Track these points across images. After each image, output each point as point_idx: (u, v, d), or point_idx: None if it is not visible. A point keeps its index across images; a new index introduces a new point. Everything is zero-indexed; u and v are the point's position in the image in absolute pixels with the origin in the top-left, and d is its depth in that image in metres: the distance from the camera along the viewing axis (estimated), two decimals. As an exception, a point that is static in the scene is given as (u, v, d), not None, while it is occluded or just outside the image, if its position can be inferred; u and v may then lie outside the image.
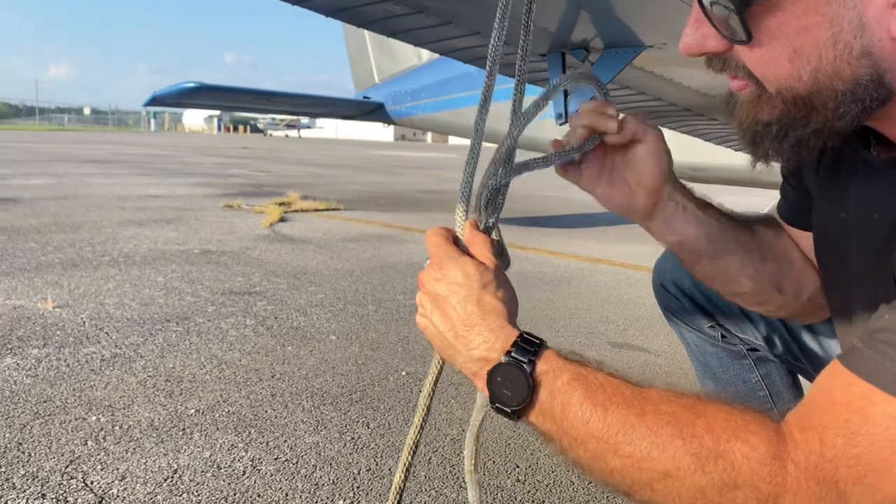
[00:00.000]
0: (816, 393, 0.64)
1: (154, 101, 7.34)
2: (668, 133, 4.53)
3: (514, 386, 0.69)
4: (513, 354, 0.69)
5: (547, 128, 6.32)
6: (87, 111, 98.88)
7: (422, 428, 0.84)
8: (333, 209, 7.59)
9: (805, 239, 1.00)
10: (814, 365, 1.12)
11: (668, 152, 0.93)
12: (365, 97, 8.97)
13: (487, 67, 0.80)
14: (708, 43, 0.68)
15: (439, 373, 0.83)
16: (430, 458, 1.88)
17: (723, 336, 1.18)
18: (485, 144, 0.87)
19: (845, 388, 0.60)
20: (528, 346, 0.70)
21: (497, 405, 0.70)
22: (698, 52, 0.70)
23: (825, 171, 0.87)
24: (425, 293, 0.76)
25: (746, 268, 0.97)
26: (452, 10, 1.65)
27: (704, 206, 0.97)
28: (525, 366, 0.69)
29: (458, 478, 1.79)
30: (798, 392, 1.24)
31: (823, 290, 0.94)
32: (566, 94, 1.97)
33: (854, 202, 0.80)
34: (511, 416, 0.70)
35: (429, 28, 1.78)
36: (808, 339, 1.11)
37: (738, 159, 4.51)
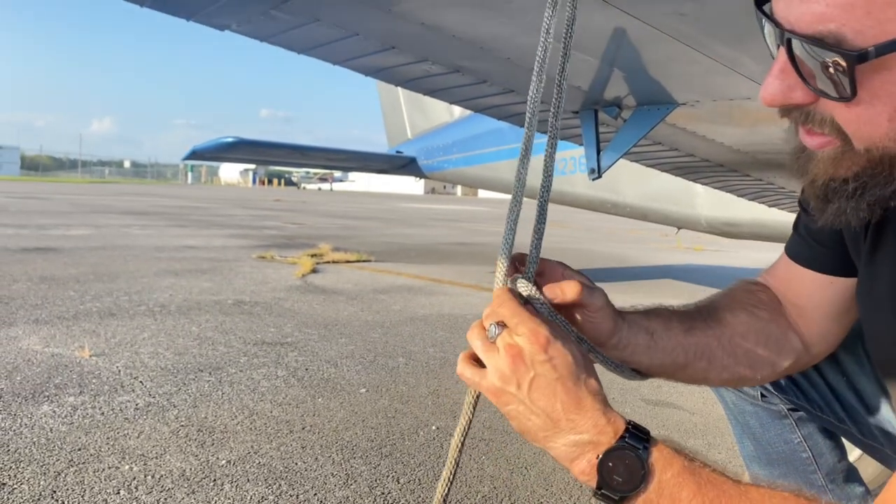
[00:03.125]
0: None
1: (194, 154, 7.56)
2: (700, 188, 4.49)
3: (627, 472, 0.67)
4: (627, 440, 0.68)
5: (578, 182, 6.35)
6: (126, 164, 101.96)
7: (451, 483, 0.83)
8: (364, 261, 7.66)
9: (808, 278, 0.96)
10: (858, 426, 1.08)
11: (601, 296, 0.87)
12: (398, 152, 9.14)
13: (527, 117, 0.82)
14: (794, 95, 0.65)
15: (468, 427, 0.82)
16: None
17: (762, 395, 1.15)
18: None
19: None
20: (641, 433, 0.69)
21: (603, 491, 0.68)
22: (782, 104, 0.66)
23: (874, 233, 0.84)
24: (519, 370, 0.70)
25: (714, 370, 0.94)
26: (487, 69, 1.70)
27: (664, 325, 0.92)
28: (641, 452, 0.67)
29: (489, 537, 1.75)
30: (841, 453, 1.21)
31: (872, 350, 0.90)
32: (599, 150, 1.99)
33: None
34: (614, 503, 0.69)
35: (464, 87, 1.83)
36: (851, 398, 1.08)
37: (771, 215, 4.48)
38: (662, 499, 0.67)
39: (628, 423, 0.70)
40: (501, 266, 0.79)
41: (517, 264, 0.81)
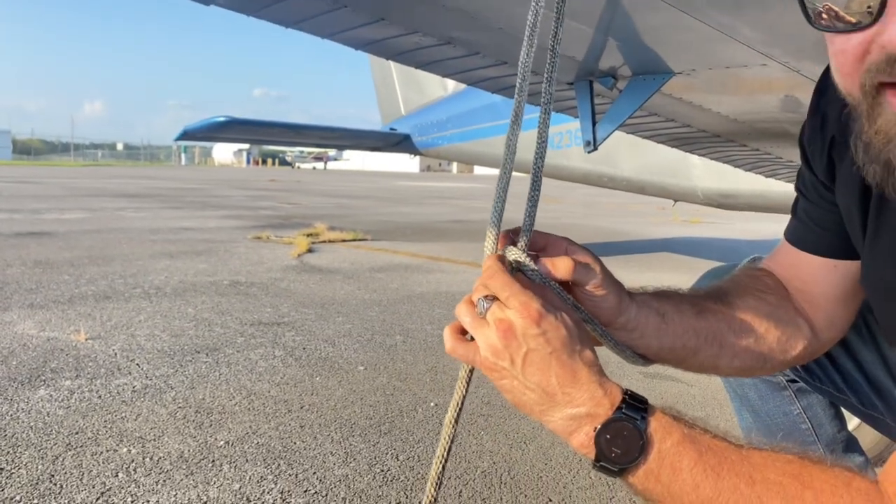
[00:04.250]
0: None
1: (185, 135, 7.49)
2: (697, 160, 4.47)
3: (625, 443, 0.66)
4: (624, 411, 0.66)
5: (574, 156, 6.31)
6: (119, 146, 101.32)
7: (446, 459, 0.81)
8: (360, 239, 7.63)
9: (811, 263, 0.93)
10: (858, 396, 1.07)
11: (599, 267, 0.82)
12: (391, 129, 9.08)
13: (518, 84, 0.79)
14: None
15: (463, 402, 0.80)
16: (460, 492, 1.85)
17: None
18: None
19: None
20: (638, 403, 0.67)
21: (602, 464, 0.67)
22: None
23: (876, 211, 0.80)
24: (511, 346, 0.68)
25: (725, 356, 0.90)
26: (479, 40, 1.66)
27: (676, 307, 0.88)
28: (638, 423, 0.66)
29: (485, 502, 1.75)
30: (841, 423, 1.20)
31: (883, 327, 0.88)
32: (594, 122, 1.96)
33: None
34: (615, 475, 0.67)
35: (456, 59, 1.80)
36: (851, 368, 1.07)
37: (769, 185, 4.46)
38: (663, 468, 0.65)
39: (625, 392, 0.68)
40: (491, 236, 0.76)
41: (512, 236, 0.78)
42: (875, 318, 0.91)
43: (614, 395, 0.68)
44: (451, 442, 0.79)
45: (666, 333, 0.86)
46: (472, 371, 0.78)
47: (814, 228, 0.94)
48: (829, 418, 1.17)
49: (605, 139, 1.98)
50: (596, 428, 0.67)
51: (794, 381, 1.15)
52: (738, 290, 0.94)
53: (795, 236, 0.97)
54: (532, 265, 0.73)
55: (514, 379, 0.70)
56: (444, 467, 0.80)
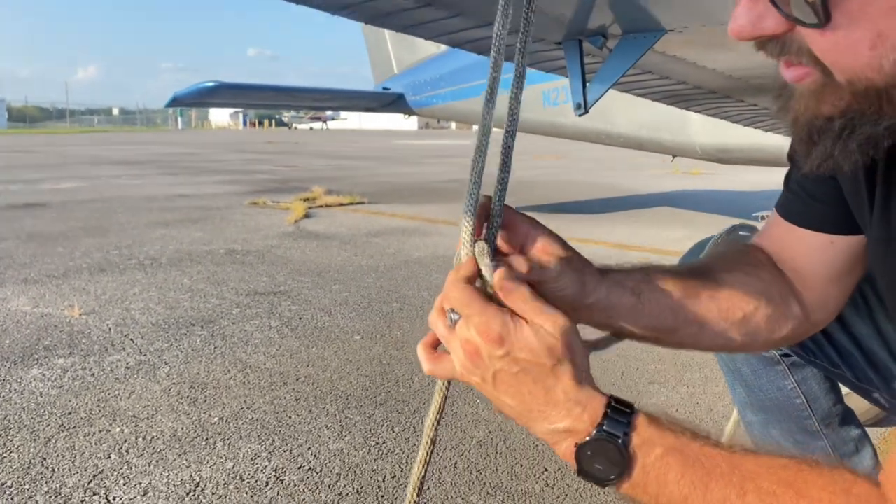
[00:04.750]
0: None
1: (175, 101, 7.36)
2: (695, 115, 4.37)
3: (606, 461, 0.63)
4: (605, 428, 0.63)
5: (570, 113, 6.21)
6: (115, 111, 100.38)
7: (427, 463, 0.77)
8: (358, 203, 7.58)
9: (805, 239, 0.88)
10: (853, 371, 1.04)
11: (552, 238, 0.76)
12: (385, 88, 8.92)
13: (492, 58, 0.73)
14: (765, 24, 0.57)
15: (442, 410, 0.75)
16: (455, 463, 1.84)
17: None
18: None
19: None
20: (620, 417, 0.63)
21: (585, 475, 0.65)
22: (752, 36, 0.59)
23: (885, 181, 0.74)
24: (479, 366, 0.65)
25: (706, 335, 0.86)
26: (460, 2, 1.59)
27: (652, 285, 0.83)
28: (619, 440, 0.62)
29: (485, 483, 1.74)
30: (836, 397, 1.17)
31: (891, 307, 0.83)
32: (584, 83, 1.89)
33: None
34: (600, 486, 0.65)
35: (438, 21, 1.72)
36: (846, 342, 1.03)
37: (768, 139, 4.37)
38: (649, 482, 0.62)
39: (607, 405, 0.64)
40: (467, 226, 0.70)
41: (482, 217, 0.72)
42: (876, 291, 0.87)
43: (594, 410, 0.64)
44: (433, 446, 0.75)
45: (641, 314, 0.81)
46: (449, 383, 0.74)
47: (808, 201, 0.88)
48: (824, 392, 1.14)
49: (596, 101, 1.91)
50: (576, 444, 0.64)
51: (787, 355, 1.11)
52: (726, 266, 0.89)
53: (788, 210, 0.91)
54: (489, 275, 0.68)
55: (490, 394, 0.67)
56: (425, 471, 0.77)
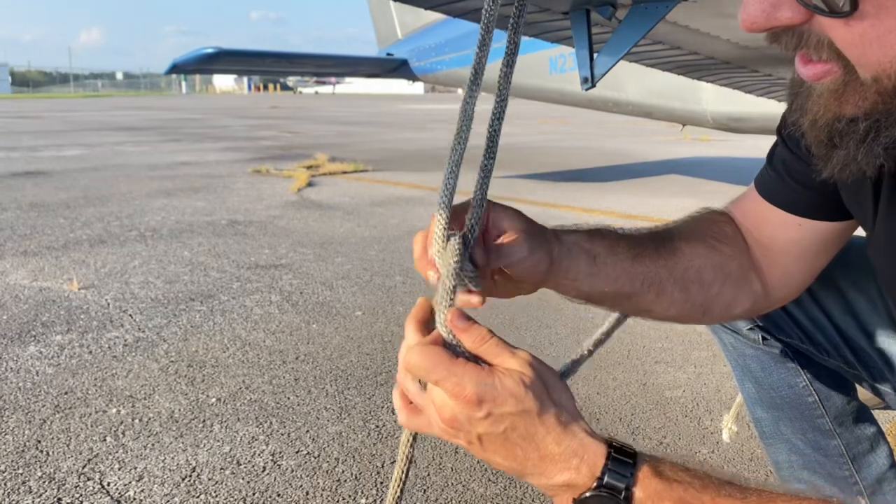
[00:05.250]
0: None
1: (175, 68, 7.24)
2: (705, 83, 4.24)
3: None
4: (606, 481, 0.57)
5: (577, 80, 6.06)
6: (119, 76, 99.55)
7: (404, 481, 0.73)
8: (361, 171, 7.49)
9: (778, 218, 0.86)
10: (869, 371, 0.98)
11: (517, 217, 0.74)
12: (388, 54, 8.75)
13: (480, 35, 0.66)
14: (781, 14, 0.51)
15: (407, 469, 0.71)
16: (455, 448, 1.80)
17: (764, 339, 1.05)
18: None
19: None
20: (622, 469, 0.57)
21: None
22: (766, 27, 0.53)
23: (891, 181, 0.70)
24: (461, 431, 0.59)
25: (661, 303, 0.84)
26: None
27: (609, 250, 0.80)
28: (621, 494, 0.57)
29: (486, 470, 1.71)
30: (850, 394, 1.11)
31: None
32: (592, 55, 1.81)
33: None
34: None
35: (439, -10, 1.64)
36: (862, 341, 0.97)
37: (782, 108, 4.26)
38: None
39: (607, 455, 0.58)
40: (440, 221, 0.63)
41: (460, 218, 0.66)
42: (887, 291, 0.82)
43: (593, 461, 0.58)
44: (409, 463, 0.71)
45: (597, 278, 0.79)
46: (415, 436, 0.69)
47: (791, 183, 0.85)
48: (838, 390, 1.08)
49: (604, 74, 1.83)
50: (575, 499, 0.59)
51: (798, 352, 1.06)
52: (688, 236, 0.87)
53: (768, 189, 0.88)
54: (451, 282, 0.61)
55: (480, 454, 0.61)
56: (402, 490, 0.72)
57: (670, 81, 4.93)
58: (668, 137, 11.92)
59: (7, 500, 1.54)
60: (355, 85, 68.68)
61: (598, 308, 0.86)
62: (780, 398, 1.08)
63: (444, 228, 0.63)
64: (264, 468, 1.69)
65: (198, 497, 1.57)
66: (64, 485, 1.60)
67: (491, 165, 0.65)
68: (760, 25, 0.53)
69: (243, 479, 1.65)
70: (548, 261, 0.74)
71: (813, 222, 0.85)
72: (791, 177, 0.85)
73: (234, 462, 1.72)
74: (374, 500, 1.58)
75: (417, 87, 60.80)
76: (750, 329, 1.04)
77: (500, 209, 0.73)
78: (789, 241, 0.86)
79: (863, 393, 1.28)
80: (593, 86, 1.84)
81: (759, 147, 10.12)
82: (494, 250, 0.70)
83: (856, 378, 1.03)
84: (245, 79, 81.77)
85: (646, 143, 11.50)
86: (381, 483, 1.64)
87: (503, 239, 0.71)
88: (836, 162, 0.59)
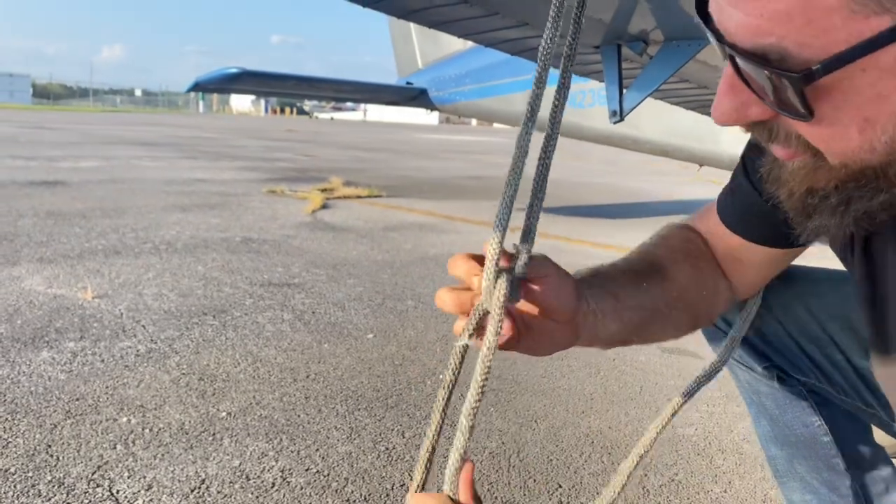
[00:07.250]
0: None
1: (197, 87, 7.34)
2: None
3: None
4: None
5: (596, 115, 6.11)
6: (138, 92, 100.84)
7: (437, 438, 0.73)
8: (376, 196, 7.53)
9: (737, 241, 0.92)
10: (888, 411, 0.97)
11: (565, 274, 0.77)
12: (408, 83, 8.85)
13: (537, 73, 0.68)
14: (749, 112, 0.57)
15: (456, 381, 0.71)
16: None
17: (779, 378, 1.04)
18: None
19: None
20: None
21: None
22: (736, 122, 0.58)
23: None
24: None
25: (666, 329, 0.91)
26: (498, 1, 1.53)
27: (625, 284, 0.85)
28: None
29: (497, 497, 1.69)
30: (866, 437, 1.10)
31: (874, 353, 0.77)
32: (621, 90, 1.83)
33: None
34: None
35: (474, 19, 1.66)
36: (882, 383, 0.96)
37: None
38: None
39: None
40: (492, 254, 0.65)
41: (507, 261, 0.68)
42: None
43: None
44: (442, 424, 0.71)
45: (624, 311, 0.83)
46: (465, 351, 0.70)
47: (746, 214, 0.90)
48: (854, 430, 1.07)
49: (633, 109, 1.85)
50: None
51: (814, 391, 1.05)
52: (673, 258, 0.92)
53: (724, 212, 0.93)
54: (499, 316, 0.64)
55: None
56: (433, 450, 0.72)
57: (690, 122, 4.97)
58: (682, 178, 11.95)
59: (17, 502, 1.53)
60: (369, 113, 69.35)
61: (619, 347, 0.90)
62: (794, 436, 1.07)
63: (495, 263, 0.65)
64: (273, 484, 1.68)
65: (206, 510, 1.56)
66: (73, 490, 1.59)
67: (540, 203, 0.67)
68: (732, 120, 0.58)
69: (252, 493, 1.63)
70: (576, 302, 0.77)
71: (773, 250, 0.91)
72: (749, 208, 0.89)
73: (244, 476, 1.70)
74: (384, 523, 1.56)
75: (432, 118, 61.25)
76: (765, 368, 1.04)
77: (544, 268, 0.76)
78: (747, 258, 0.93)
79: (879, 434, 1.27)
80: (621, 119, 1.86)
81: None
82: (532, 285, 0.73)
83: (873, 419, 1.02)
84: (262, 101, 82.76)
85: (661, 182, 11.53)
86: (391, 506, 1.63)
87: (538, 273, 0.74)
88: (812, 230, 0.65)
